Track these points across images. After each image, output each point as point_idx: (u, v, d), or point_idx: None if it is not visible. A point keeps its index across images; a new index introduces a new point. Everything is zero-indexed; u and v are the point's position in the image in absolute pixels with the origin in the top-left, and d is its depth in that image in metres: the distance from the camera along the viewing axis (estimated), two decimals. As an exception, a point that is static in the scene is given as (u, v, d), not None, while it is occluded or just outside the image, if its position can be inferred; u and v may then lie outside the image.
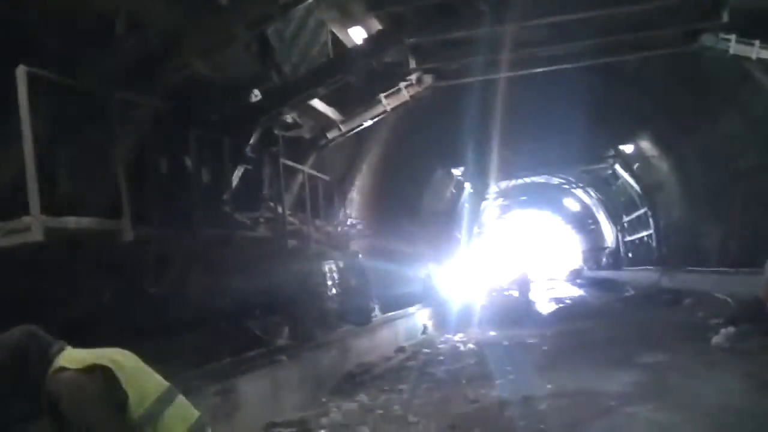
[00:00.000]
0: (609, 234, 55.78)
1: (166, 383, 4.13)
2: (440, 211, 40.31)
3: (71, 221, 8.10)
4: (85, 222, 8.41)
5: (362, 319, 18.49)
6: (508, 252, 68.31)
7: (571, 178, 52.63)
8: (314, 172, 16.30)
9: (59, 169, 8.59)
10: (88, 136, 8.86)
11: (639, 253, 44.80)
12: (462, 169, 39.47)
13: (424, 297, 28.07)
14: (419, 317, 25.38)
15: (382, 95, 17.05)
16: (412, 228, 32.39)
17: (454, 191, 42.40)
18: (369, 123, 17.47)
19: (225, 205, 12.08)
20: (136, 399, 3.83)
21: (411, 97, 17.16)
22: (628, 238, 48.11)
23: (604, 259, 55.51)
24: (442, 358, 19.26)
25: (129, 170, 9.20)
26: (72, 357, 3.90)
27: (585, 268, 61.32)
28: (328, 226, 16.66)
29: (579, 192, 57.18)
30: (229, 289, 12.78)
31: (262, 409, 12.09)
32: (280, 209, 13.65)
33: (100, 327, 9.06)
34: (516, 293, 38.04)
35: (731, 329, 16.81)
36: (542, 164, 42.95)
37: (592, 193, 54.76)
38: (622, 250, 50.30)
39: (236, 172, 12.49)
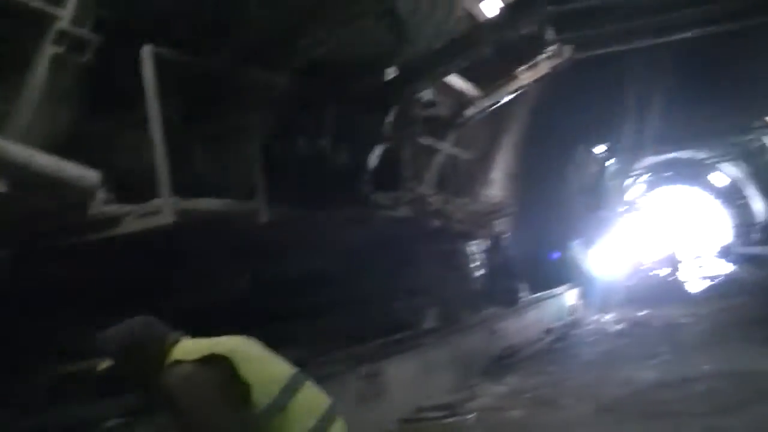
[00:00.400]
0: (760, 209, 53.67)
1: (291, 370, 3.80)
2: (583, 188, 39.39)
3: (203, 203, 7.91)
4: (218, 204, 8.23)
5: (509, 301, 18.05)
6: (656, 229, 66.53)
7: (717, 152, 50.93)
8: (454, 150, 15.87)
9: (192, 151, 8.47)
10: (221, 117, 8.70)
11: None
12: (605, 144, 38.57)
13: (571, 277, 27.30)
14: (566, 298, 24.66)
15: (520, 69, 16.41)
16: (555, 206, 31.68)
17: (597, 168, 41.39)
18: (507, 99, 16.83)
19: (364, 185, 11.82)
20: (258, 389, 3.49)
21: (551, 69, 16.47)
22: (781, 214, 46.14)
23: (754, 235, 53.49)
24: (591, 339, 18.73)
25: (263, 150, 9.03)
26: (188, 348, 3.62)
27: (735, 244, 59.20)
28: (470, 206, 16.21)
29: (726, 166, 55.32)
30: (372, 271, 12.56)
31: (410, 392, 11.84)
32: (420, 189, 13.34)
33: (236, 313, 8.91)
34: (665, 271, 37.09)
35: None
36: (687, 138, 41.57)
37: (740, 167, 52.80)
38: (773, 223, 48.39)
39: (374, 151, 12.18)
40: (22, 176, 5.84)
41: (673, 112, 33.83)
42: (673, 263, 35.54)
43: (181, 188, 7.29)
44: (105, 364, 3.65)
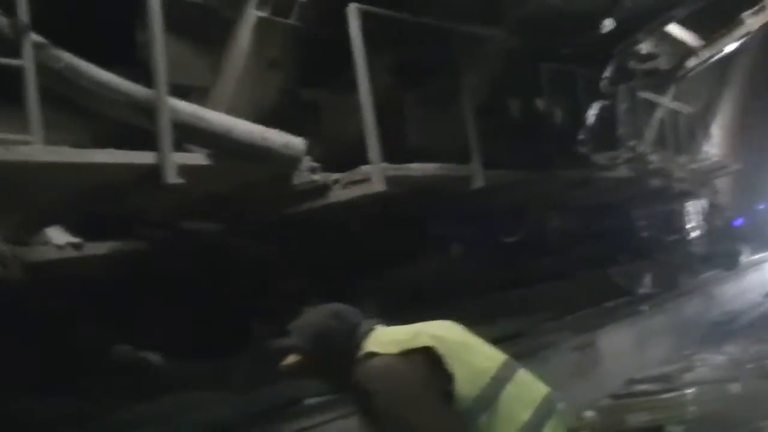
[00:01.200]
0: None
1: (501, 357, 3.23)
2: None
3: (415, 168, 7.51)
4: (430, 169, 7.80)
5: (729, 264, 17.10)
6: None
7: None
8: (675, 105, 14.97)
9: (402, 114, 8.17)
10: (433, 78, 8.36)
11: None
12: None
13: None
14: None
15: (746, 13, 15.31)
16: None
17: None
18: (732, 47, 15.73)
19: (581, 145, 11.29)
20: (465, 382, 2.96)
21: None
22: None
23: None
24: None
25: (477, 111, 8.61)
26: (383, 338, 3.14)
27: None
28: (691, 164, 15.29)
29: None
30: (589, 235, 12.05)
31: (623, 363, 11.30)
32: (640, 147, 12.66)
33: (447, 283, 8.61)
34: None
35: None
36: None
37: None
38: None
39: (591, 109, 11.60)
40: (226, 146, 5.67)
41: None
42: None
43: (391, 154, 6.98)
44: (292, 358, 3.22)
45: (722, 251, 16.92)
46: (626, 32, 11.48)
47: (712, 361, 12.33)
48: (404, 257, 8.80)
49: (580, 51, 11.05)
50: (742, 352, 12.78)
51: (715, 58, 15.62)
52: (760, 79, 24.22)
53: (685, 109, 15.16)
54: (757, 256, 20.84)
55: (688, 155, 15.20)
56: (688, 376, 11.37)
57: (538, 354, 8.66)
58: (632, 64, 13.29)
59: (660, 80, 14.41)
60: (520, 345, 7.92)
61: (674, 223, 15.64)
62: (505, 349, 3.30)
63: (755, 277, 19.06)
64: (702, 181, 15.60)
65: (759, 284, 19.06)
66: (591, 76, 11.36)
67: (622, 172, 11.89)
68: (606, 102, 11.71)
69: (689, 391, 10.59)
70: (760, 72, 23.94)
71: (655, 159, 13.10)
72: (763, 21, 15.20)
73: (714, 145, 20.01)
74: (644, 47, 13.41)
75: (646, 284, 14.37)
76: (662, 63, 14.56)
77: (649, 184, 12.65)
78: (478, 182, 8.29)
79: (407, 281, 7.69)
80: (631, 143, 12.36)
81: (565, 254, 11.64)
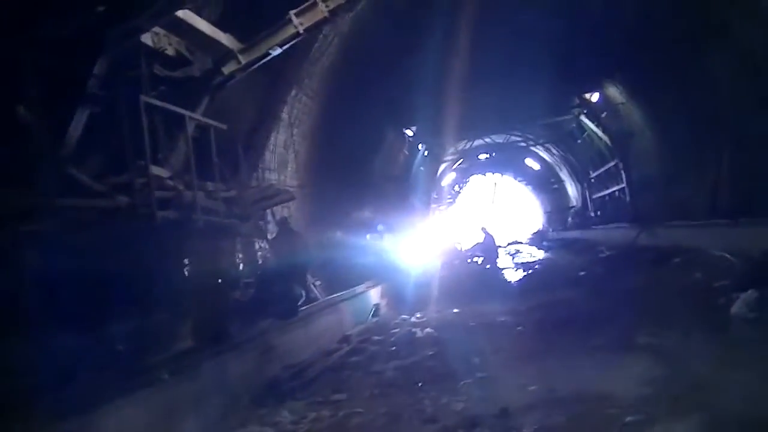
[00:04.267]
0: (573, 192, 53.32)
1: None
2: (394, 175, 37.06)
3: None
4: None
5: (286, 311, 14.44)
6: (469, 217, 65.44)
7: (531, 136, 50.22)
8: (206, 120, 12.17)
9: None
10: None
11: (609, 210, 41.68)
12: (415, 128, 36.39)
13: (378, 272, 24.44)
14: (370, 296, 21.64)
15: (292, 13, 13.04)
16: (363, 195, 29.12)
17: (407, 153, 39.13)
18: (278, 51, 13.40)
19: (66, 163, 8.49)
20: None
21: (330, 12, 13.12)
22: (597, 195, 45.21)
23: (570, 219, 52.52)
24: (394, 348, 15.62)
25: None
26: None
27: (550, 229, 58.28)
28: (229, 191, 12.61)
29: (540, 150, 54.89)
30: (84, 283, 9.01)
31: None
32: (156, 170, 9.96)
33: None
34: (480, 260, 35.15)
35: (752, 294, 13.37)
36: (502, 120, 40.58)
37: (554, 150, 52.58)
38: (590, 207, 47.25)
39: (77, 116, 8.80)
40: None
41: (486, 95, 32.37)
42: (491, 250, 33.56)
43: None
44: None
45: (277, 297, 14.24)
46: (121, 15, 8.84)
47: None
48: None
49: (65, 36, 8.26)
50: (297, 421, 10.45)
51: (261, 62, 13.27)
52: (335, 106, 22.85)
53: (219, 124, 12.41)
54: (330, 297, 19.04)
55: (231, 181, 12.60)
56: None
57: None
58: (158, 70, 10.69)
59: (193, 89, 11.86)
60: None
61: (217, 263, 12.79)
62: None
63: (329, 320, 17.00)
64: (246, 211, 12.88)
65: (333, 327, 17.06)
66: (76, 69, 8.53)
67: (122, 201, 9.11)
68: (97, 109, 8.96)
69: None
70: (334, 99, 22.59)
71: (175, 185, 10.47)
72: (312, 21, 13.13)
73: (274, 169, 17.90)
74: (170, 50, 10.84)
75: (180, 339, 11.49)
76: (194, 70, 12.07)
77: (154, 215, 9.70)
78: None
79: None
80: (141, 163, 9.66)
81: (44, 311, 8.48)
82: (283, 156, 21.73)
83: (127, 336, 9.75)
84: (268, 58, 13.17)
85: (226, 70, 12.55)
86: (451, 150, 46.18)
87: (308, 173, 24.69)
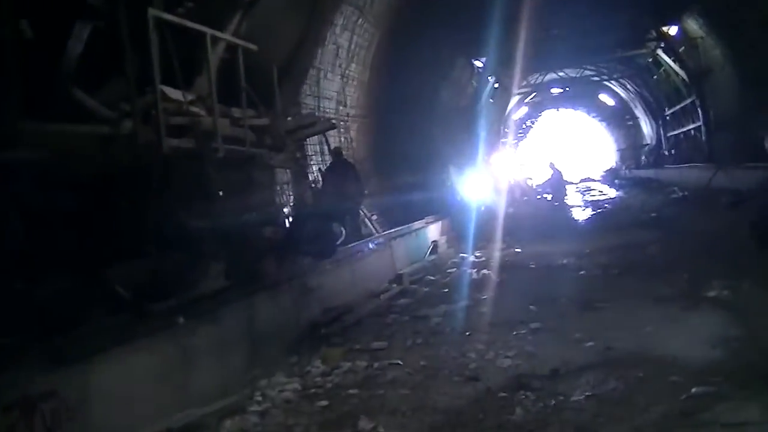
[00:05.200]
0: (648, 130, 51.63)
1: None
2: (462, 106, 35.74)
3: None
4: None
5: (321, 251, 13.28)
6: (540, 153, 63.92)
7: (605, 70, 48.30)
8: (233, 39, 10.94)
9: None
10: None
11: (684, 149, 39.94)
12: (484, 59, 35.06)
13: (441, 206, 23.41)
14: (427, 233, 20.60)
15: None
16: (428, 126, 27.90)
17: (476, 85, 37.78)
18: None
19: (65, 81, 7.54)
20: None
21: None
22: (672, 133, 43.36)
23: (643, 158, 50.88)
24: (446, 290, 14.68)
25: None
26: None
27: (623, 167, 56.54)
28: (260, 119, 11.42)
29: (614, 86, 53.14)
30: (80, 219, 8.03)
31: (143, 405, 7.52)
32: (173, 92, 8.94)
33: None
34: (549, 196, 34.12)
35: None
36: (576, 53, 38.68)
37: (629, 86, 50.85)
38: (664, 146, 45.47)
39: (76, 31, 7.81)
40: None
41: (559, 25, 31.22)
42: (560, 187, 32.60)
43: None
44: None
45: (311, 235, 13.07)
46: None
47: (275, 395, 8.79)
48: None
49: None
50: (324, 374, 9.51)
51: None
52: (399, 33, 22.00)
53: (251, 45, 11.19)
54: (383, 233, 18.08)
55: (264, 108, 11.44)
56: (230, 424, 7.87)
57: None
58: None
59: (222, 5, 10.79)
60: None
61: (251, 196, 11.59)
62: None
63: (379, 259, 16.04)
64: (279, 142, 11.74)
65: (384, 266, 16.13)
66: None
67: (125, 128, 8.13)
68: (100, 23, 7.97)
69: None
70: (399, 26, 21.73)
71: (197, 110, 9.45)
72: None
73: (331, 98, 16.88)
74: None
75: (215, 277, 10.45)
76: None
77: (161, 144, 8.59)
78: None
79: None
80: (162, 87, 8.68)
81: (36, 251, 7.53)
82: (341, 84, 20.80)
83: (136, 278, 8.80)
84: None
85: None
86: (523, 83, 44.68)
87: (371, 102, 23.81)
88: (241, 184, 10.78)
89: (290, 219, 13.49)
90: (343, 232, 14.22)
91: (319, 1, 15.52)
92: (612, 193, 43.42)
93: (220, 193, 10.03)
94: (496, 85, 37.97)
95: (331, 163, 17.37)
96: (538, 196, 37.51)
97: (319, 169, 16.75)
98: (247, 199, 10.98)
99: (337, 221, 13.95)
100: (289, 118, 12.93)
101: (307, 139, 18.30)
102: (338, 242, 13.53)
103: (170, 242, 8.93)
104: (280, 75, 12.30)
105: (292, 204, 13.51)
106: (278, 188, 14.23)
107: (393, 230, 18.40)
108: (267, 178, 11.90)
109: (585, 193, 45.31)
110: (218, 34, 9.82)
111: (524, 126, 65.20)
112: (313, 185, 16.56)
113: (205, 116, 9.40)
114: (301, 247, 12.07)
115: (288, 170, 14.33)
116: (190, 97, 9.41)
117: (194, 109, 9.34)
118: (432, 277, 16.28)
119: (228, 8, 11.09)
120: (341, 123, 21.64)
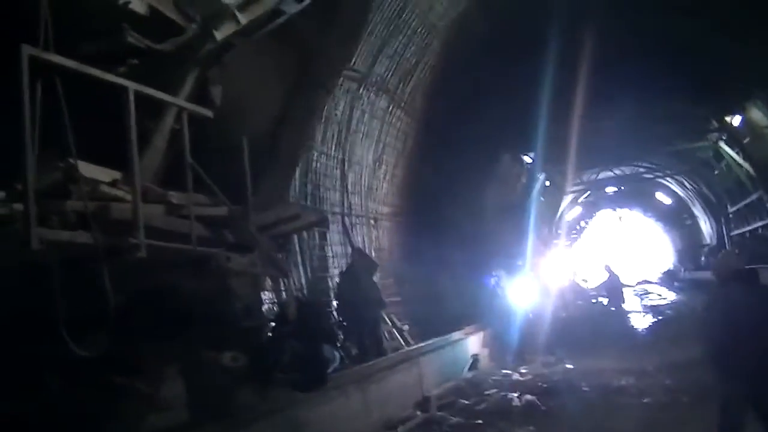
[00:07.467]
0: (707, 229, 49.56)
1: None
2: (509, 204, 33.69)
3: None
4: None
5: (308, 382, 10.52)
6: (595, 255, 61.78)
7: (660, 165, 46.49)
8: (175, 100, 8.30)
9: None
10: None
11: (750, 249, 37.47)
12: (533, 154, 33.28)
13: (488, 313, 21.92)
14: (468, 345, 18.36)
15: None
16: (473, 227, 25.76)
17: (525, 182, 35.83)
18: (295, 8, 9.59)
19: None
20: None
21: None
22: (736, 232, 40.86)
23: (703, 258, 48.49)
24: (480, 422, 12.19)
25: None
26: None
27: (681, 269, 54.35)
28: (215, 207, 8.67)
29: (671, 184, 51.37)
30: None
31: None
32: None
33: None
34: (605, 301, 32.04)
35: None
36: (629, 146, 36.86)
37: (686, 183, 48.85)
38: (727, 245, 42.99)
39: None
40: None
41: (606, 116, 29.39)
42: (615, 292, 30.45)
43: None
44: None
45: (293, 358, 10.36)
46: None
47: None
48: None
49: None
50: None
51: (271, 25, 9.74)
52: (439, 126, 20.41)
53: (206, 112, 8.64)
54: (414, 347, 15.85)
55: (223, 195, 8.82)
56: None
57: None
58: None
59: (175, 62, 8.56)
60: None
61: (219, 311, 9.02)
62: None
63: (403, 378, 13.69)
64: (245, 239, 9.11)
65: (409, 387, 13.75)
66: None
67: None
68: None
69: None
70: (439, 119, 20.12)
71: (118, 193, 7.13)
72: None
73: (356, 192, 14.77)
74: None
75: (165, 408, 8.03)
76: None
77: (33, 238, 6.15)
78: None
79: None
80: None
81: None
82: (370, 179, 18.86)
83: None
84: (282, 19, 9.61)
85: (220, 34, 8.95)
86: (576, 181, 42.88)
87: (404, 200, 21.94)
88: (208, 294, 8.33)
89: (265, 339, 10.87)
90: (338, 356, 11.64)
91: (309, 62, 12.93)
92: (671, 296, 41.93)
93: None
94: (548, 183, 36.14)
95: (348, 267, 15.21)
96: (593, 300, 35.43)
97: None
98: (218, 314, 8.51)
99: (329, 342, 11.39)
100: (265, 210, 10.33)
101: (328, 239, 16.26)
102: (329, 369, 10.89)
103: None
104: (261, 155, 9.95)
105: (272, 319, 11.07)
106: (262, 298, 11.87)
107: (424, 343, 16.12)
108: (247, 287, 9.35)
109: (643, 296, 43.55)
110: (144, 89, 7.28)
111: (578, 227, 63.26)
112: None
113: (124, 200, 6.98)
114: (274, 376, 9.56)
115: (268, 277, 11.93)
116: (117, 176, 7.11)
117: (115, 192, 7.00)
118: (466, 401, 13.83)
119: (178, 64, 8.70)
120: (371, 221, 19.85)
